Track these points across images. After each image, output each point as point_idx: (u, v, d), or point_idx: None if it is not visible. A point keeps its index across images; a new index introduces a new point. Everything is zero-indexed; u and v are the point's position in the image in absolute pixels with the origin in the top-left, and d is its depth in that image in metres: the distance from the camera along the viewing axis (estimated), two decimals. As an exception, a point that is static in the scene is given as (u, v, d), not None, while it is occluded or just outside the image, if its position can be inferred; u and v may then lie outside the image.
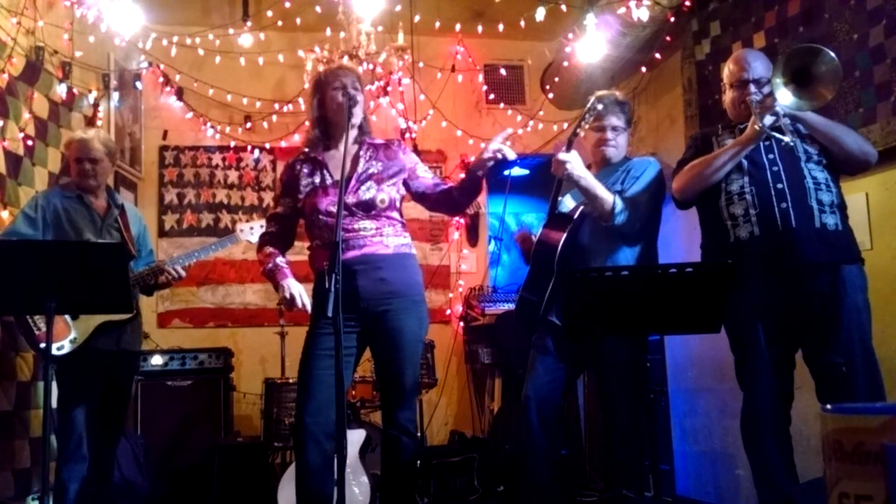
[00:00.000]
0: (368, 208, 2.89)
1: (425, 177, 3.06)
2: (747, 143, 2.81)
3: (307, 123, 3.13)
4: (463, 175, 3.07)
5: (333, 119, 2.95)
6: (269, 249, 3.01)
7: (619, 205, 2.99)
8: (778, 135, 2.69)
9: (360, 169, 2.92)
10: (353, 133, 2.95)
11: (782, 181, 2.77)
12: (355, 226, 2.87)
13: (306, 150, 3.04)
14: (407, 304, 2.91)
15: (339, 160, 2.92)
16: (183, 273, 3.63)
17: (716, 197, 2.91)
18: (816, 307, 2.72)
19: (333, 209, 2.79)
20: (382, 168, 2.96)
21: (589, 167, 3.16)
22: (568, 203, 3.18)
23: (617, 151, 3.25)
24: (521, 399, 3.16)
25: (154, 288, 3.73)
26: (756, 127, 2.72)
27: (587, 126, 3.10)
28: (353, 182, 2.88)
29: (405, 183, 3.03)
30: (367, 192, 2.89)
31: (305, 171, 2.98)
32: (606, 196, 2.99)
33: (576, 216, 3.11)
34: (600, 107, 3.07)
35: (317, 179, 2.94)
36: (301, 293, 2.87)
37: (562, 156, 2.97)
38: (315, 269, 2.94)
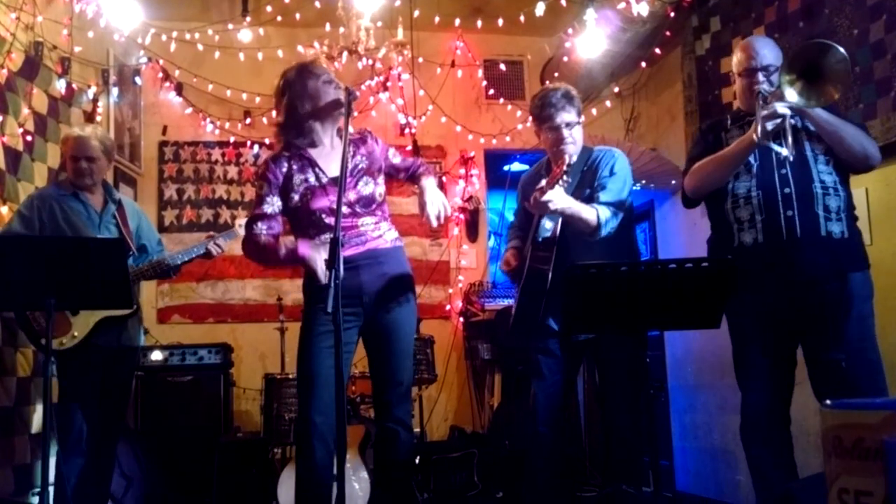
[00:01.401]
0: (369, 203, 2.89)
1: (395, 160, 3.07)
2: (747, 150, 2.77)
3: (280, 119, 2.95)
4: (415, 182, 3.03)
5: (323, 113, 2.89)
6: (269, 238, 2.83)
7: (603, 217, 2.97)
8: (776, 147, 2.66)
9: (350, 165, 2.89)
10: (332, 129, 2.94)
11: (790, 185, 2.74)
12: (358, 222, 2.86)
13: (292, 147, 2.92)
14: (405, 298, 2.92)
15: (327, 156, 2.90)
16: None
17: (722, 199, 2.89)
18: (819, 310, 2.71)
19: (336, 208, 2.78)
20: (369, 162, 2.95)
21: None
22: (547, 226, 3.13)
23: (576, 147, 3.19)
24: (530, 403, 3.16)
25: (175, 270, 3.74)
26: (755, 138, 2.67)
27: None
28: (348, 178, 2.85)
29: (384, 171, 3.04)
30: (367, 186, 2.89)
31: (295, 168, 2.88)
32: (590, 216, 2.96)
33: (557, 235, 3.07)
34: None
35: (311, 177, 2.86)
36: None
37: (544, 198, 2.82)
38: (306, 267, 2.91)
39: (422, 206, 2.88)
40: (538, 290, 3.04)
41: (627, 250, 3.19)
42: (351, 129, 2.81)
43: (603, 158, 3.18)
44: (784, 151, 2.64)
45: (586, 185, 3.13)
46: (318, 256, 2.74)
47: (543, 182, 2.86)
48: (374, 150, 2.99)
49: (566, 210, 2.93)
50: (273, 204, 2.87)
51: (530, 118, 3.33)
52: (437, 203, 2.86)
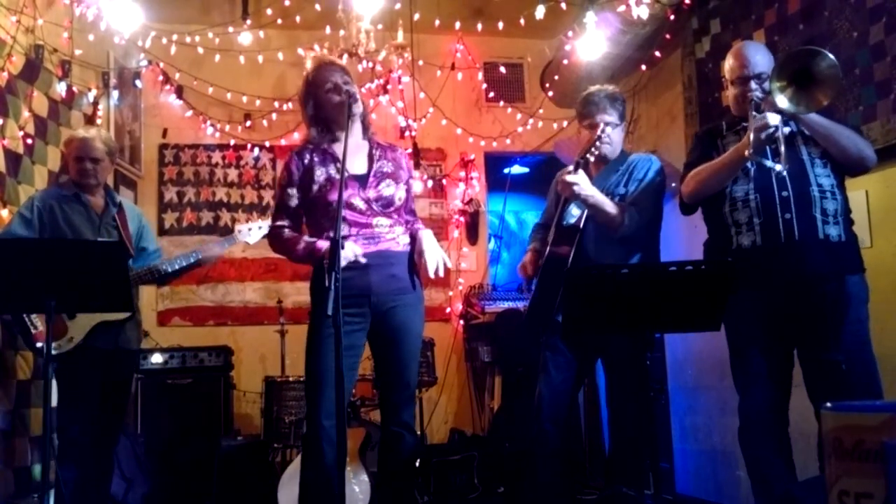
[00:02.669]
0: (387, 205, 2.90)
1: (410, 194, 3.08)
2: (740, 162, 2.77)
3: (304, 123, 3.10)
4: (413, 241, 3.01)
5: (333, 118, 2.93)
6: (291, 233, 2.92)
7: (627, 215, 3.01)
8: (769, 163, 2.68)
9: (374, 166, 2.92)
10: (358, 126, 2.95)
11: (787, 188, 2.74)
12: (373, 221, 2.87)
13: (316, 141, 2.98)
14: (413, 301, 2.92)
15: (350, 154, 2.90)
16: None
17: (720, 202, 2.89)
18: (817, 312, 2.71)
19: (354, 202, 2.82)
20: (394, 168, 2.97)
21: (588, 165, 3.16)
22: (574, 212, 3.17)
23: (612, 148, 3.22)
24: (534, 399, 3.16)
25: (172, 276, 3.71)
26: (746, 153, 2.68)
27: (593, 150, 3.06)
28: (370, 178, 2.89)
29: None
30: (388, 188, 2.90)
31: (317, 160, 2.92)
32: (613, 210, 3.02)
33: (581, 224, 3.11)
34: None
35: (332, 171, 2.89)
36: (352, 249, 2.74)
37: (569, 178, 2.97)
38: (317, 265, 2.91)
39: (419, 253, 2.90)
40: (556, 277, 3.05)
41: (650, 253, 3.19)
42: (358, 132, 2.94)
43: (639, 163, 3.22)
44: (777, 167, 2.66)
45: (621, 184, 3.17)
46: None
47: (571, 167, 2.96)
48: (400, 164, 3.02)
49: (589, 198, 2.99)
50: (295, 196, 2.93)
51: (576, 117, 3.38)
52: (436, 255, 2.87)
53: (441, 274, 2.89)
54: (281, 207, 2.96)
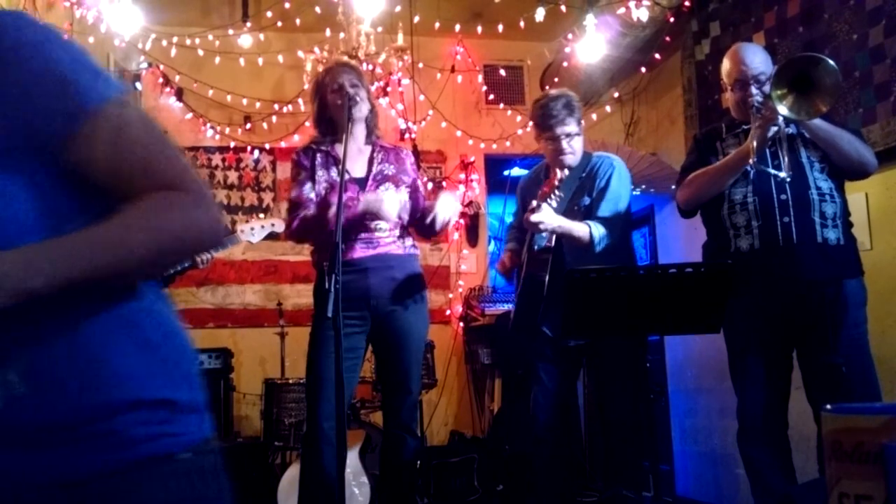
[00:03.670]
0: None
1: (418, 193, 3.11)
2: (742, 165, 2.76)
3: (308, 124, 3.14)
4: (425, 215, 3.04)
5: (338, 120, 2.94)
6: (314, 210, 2.90)
7: (597, 233, 2.97)
8: (772, 171, 2.67)
9: (374, 170, 2.93)
10: (361, 130, 2.97)
11: (786, 192, 2.73)
12: (371, 225, 2.87)
13: (320, 142, 3.01)
14: (415, 304, 2.92)
15: (352, 158, 2.92)
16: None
17: (718, 205, 2.88)
18: (816, 315, 2.71)
19: (352, 205, 2.82)
20: (396, 171, 2.98)
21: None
22: (544, 233, 3.15)
23: (575, 157, 3.16)
24: (529, 407, 3.16)
25: (173, 276, 3.71)
26: (750, 161, 2.67)
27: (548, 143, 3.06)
28: (369, 182, 2.91)
29: None
30: (387, 192, 2.91)
31: (319, 161, 2.94)
32: (583, 233, 2.97)
33: (553, 244, 3.07)
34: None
35: (333, 173, 2.91)
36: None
37: (533, 218, 2.87)
38: (319, 267, 2.92)
39: (430, 208, 2.94)
40: (535, 296, 3.04)
41: (624, 256, 3.19)
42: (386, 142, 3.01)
43: (601, 168, 3.15)
44: (781, 174, 2.65)
45: (585, 192, 3.13)
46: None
47: (535, 203, 2.88)
48: (404, 166, 3.04)
49: (557, 229, 2.94)
50: (309, 187, 2.94)
51: (531, 123, 3.34)
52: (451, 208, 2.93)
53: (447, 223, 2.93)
54: (303, 200, 2.91)
